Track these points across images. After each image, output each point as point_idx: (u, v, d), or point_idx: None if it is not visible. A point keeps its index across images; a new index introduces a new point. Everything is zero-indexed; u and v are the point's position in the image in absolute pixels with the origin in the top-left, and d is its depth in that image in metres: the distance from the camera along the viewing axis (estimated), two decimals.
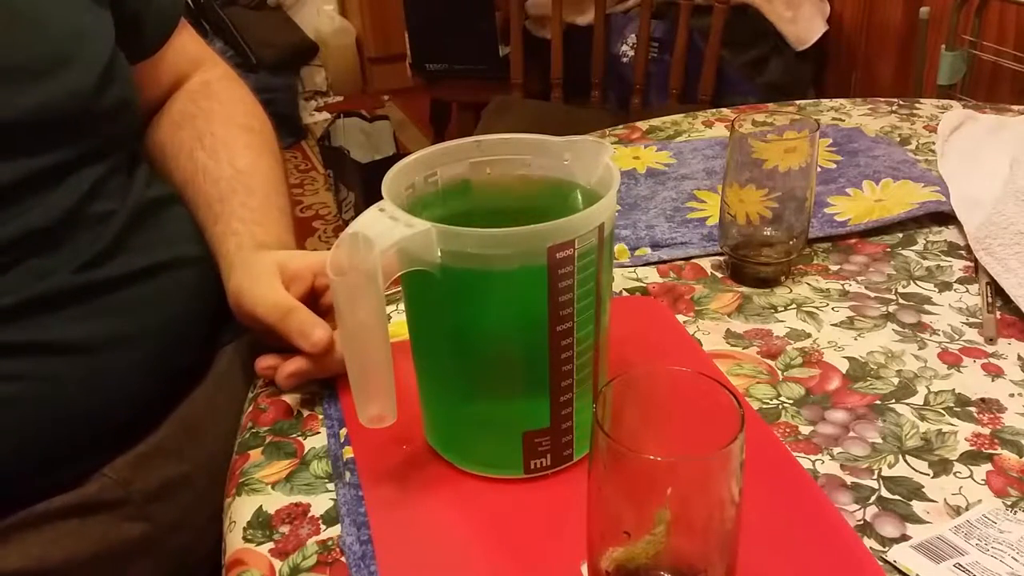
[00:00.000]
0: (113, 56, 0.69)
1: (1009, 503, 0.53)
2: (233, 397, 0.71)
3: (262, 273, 0.65)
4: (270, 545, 0.53)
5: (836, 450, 0.58)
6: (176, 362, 0.70)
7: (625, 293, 0.75)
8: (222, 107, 0.80)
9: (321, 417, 0.63)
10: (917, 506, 0.53)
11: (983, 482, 0.55)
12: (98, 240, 0.65)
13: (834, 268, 0.78)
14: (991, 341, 0.67)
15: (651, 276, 0.78)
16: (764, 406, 0.62)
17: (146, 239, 0.69)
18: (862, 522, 0.52)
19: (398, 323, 0.64)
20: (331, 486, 0.57)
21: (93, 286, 0.64)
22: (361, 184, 2.44)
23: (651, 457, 0.38)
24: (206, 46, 0.86)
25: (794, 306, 0.72)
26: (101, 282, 0.65)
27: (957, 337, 0.68)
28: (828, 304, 0.73)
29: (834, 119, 1.07)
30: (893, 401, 0.62)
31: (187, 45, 0.83)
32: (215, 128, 0.78)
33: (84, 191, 0.65)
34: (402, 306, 0.60)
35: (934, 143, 0.98)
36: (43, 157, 0.63)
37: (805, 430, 0.59)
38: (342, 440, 0.59)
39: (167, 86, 0.82)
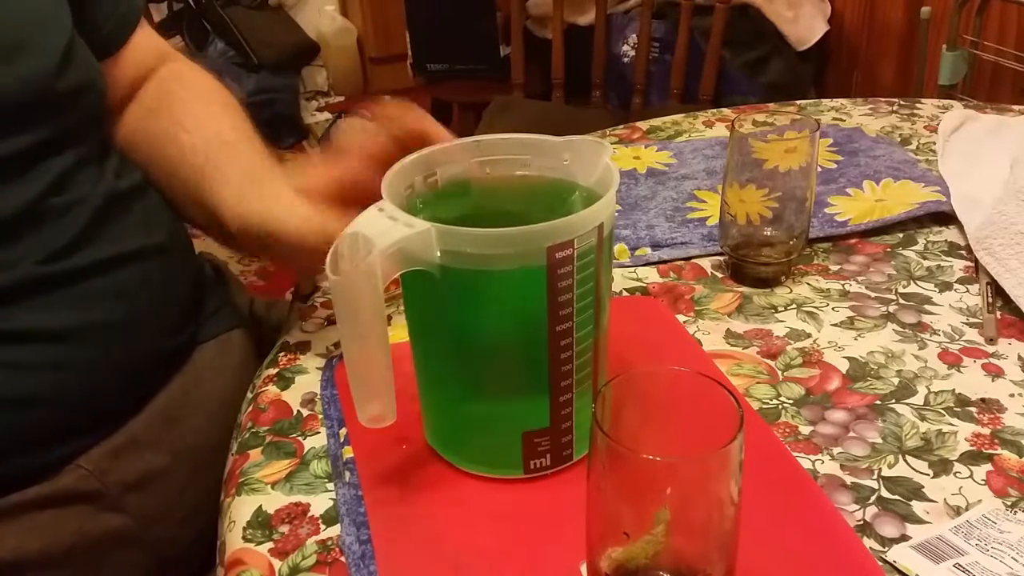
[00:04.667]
0: (72, 39, 0.68)
1: (1009, 503, 0.53)
2: (212, 395, 0.72)
3: (282, 194, 0.64)
4: (269, 545, 0.53)
5: (836, 450, 0.58)
6: (148, 352, 0.69)
7: (625, 293, 0.75)
8: (197, 88, 0.79)
9: (321, 417, 0.63)
10: (917, 506, 0.53)
11: (983, 482, 0.55)
12: (65, 231, 0.64)
13: (834, 268, 0.78)
14: (991, 341, 0.67)
15: (651, 276, 0.78)
16: (764, 406, 0.62)
17: (116, 229, 0.68)
18: (862, 522, 0.52)
19: (398, 325, 0.64)
20: (331, 486, 0.57)
21: (60, 276, 0.63)
22: None
23: (650, 457, 0.38)
24: (166, 43, 0.84)
25: (794, 306, 0.72)
26: (68, 272, 0.64)
27: (957, 337, 0.68)
28: (828, 304, 0.73)
29: (835, 119, 1.07)
30: (893, 401, 0.62)
31: (150, 40, 0.82)
32: (195, 108, 0.76)
33: (49, 181, 0.64)
34: (402, 307, 0.60)
35: (935, 143, 0.98)
36: (2, 144, 0.62)
37: (805, 430, 0.59)
38: (342, 440, 0.59)
39: (132, 80, 0.80)
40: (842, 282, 0.75)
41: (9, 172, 0.62)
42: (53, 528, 0.63)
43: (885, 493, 0.54)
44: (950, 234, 0.82)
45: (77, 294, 0.64)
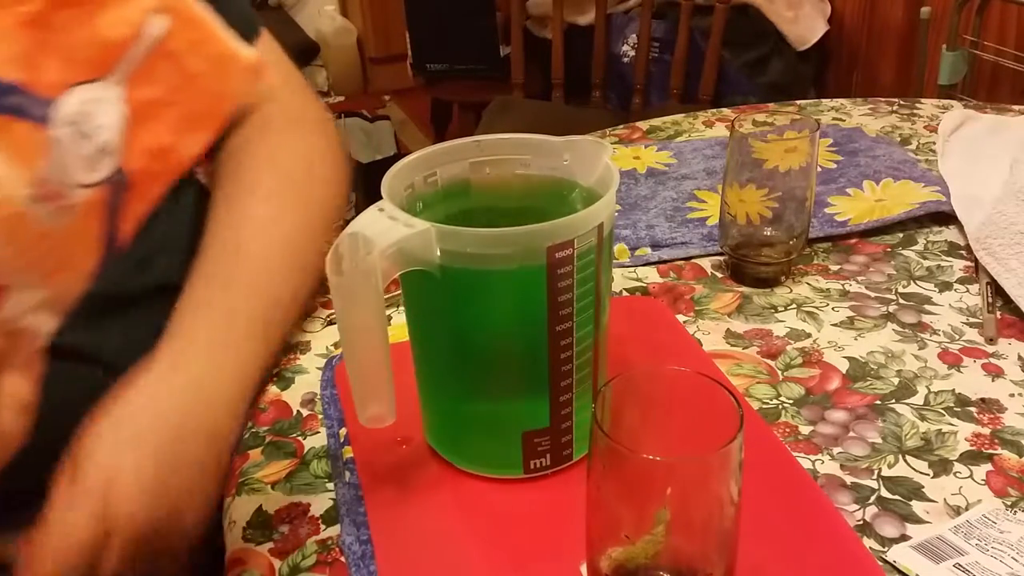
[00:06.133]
0: None
1: (1009, 503, 0.53)
2: None
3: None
4: (270, 545, 0.53)
5: (836, 450, 0.58)
6: None
7: (625, 293, 0.75)
8: (274, 159, 0.72)
9: (321, 417, 0.63)
10: (917, 506, 0.53)
11: (983, 482, 0.55)
12: (125, 257, 0.65)
13: (834, 268, 0.78)
14: (991, 341, 0.67)
15: (651, 276, 0.77)
16: (764, 406, 0.62)
17: (163, 262, 0.70)
18: (862, 522, 0.52)
19: (398, 325, 0.64)
20: (331, 486, 0.57)
21: (112, 300, 0.65)
22: (362, 184, 2.44)
23: (650, 457, 0.38)
24: (285, 65, 0.77)
25: (794, 306, 0.72)
26: (120, 297, 0.65)
27: (957, 337, 0.68)
28: (828, 304, 0.73)
29: (835, 119, 1.07)
30: (893, 401, 0.62)
31: (267, 57, 0.75)
32: (251, 199, 0.69)
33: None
34: (402, 308, 0.60)
35: (935, 143, 0.98)
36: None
37: (805, 430, 0.59)
38: (342, 440, 0.59)
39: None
40: (842, 282, 0.75)
41: None
42: None
43: (885, 493, 0.54)
44: (950, 234, 0.82)
45: (127, 319, 0.66)
